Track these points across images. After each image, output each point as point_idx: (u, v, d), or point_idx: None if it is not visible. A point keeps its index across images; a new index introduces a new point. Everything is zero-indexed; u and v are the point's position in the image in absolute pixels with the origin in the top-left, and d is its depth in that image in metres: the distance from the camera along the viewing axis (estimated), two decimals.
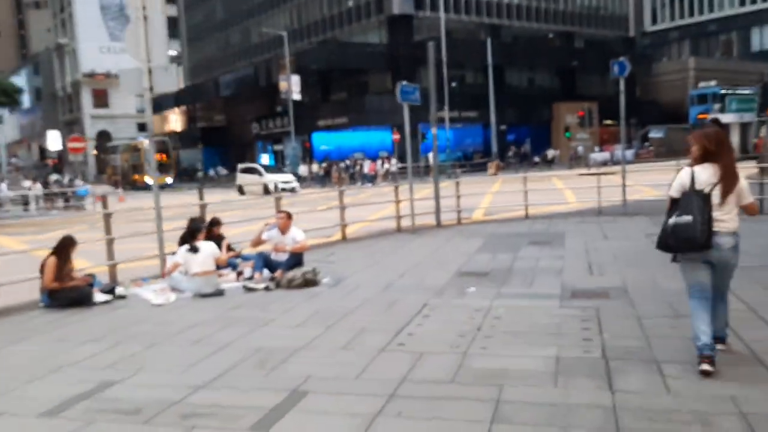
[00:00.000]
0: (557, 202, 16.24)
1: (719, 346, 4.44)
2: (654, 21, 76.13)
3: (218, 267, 7.80)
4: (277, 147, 51.01)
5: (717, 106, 42.61)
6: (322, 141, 49.24)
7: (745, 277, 6.36)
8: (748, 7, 68.50)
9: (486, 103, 43.30)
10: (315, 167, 42.49)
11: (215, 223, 8.96)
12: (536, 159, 48.89)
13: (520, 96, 52.03)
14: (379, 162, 40.96)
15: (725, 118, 43.03)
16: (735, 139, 43.68)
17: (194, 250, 7.50)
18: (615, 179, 14.88)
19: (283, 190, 30.02)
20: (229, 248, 8.78)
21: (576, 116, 43.19)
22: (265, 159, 51.06)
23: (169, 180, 49.40)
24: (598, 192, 14.26)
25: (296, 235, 8.13)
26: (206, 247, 7.63)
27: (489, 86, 42.52)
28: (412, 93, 12.09)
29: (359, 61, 46.39)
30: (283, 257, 7.99)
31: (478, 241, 10.82)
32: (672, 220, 4.21)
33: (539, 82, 55.24)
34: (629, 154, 46.63)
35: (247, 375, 4.66)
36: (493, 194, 20.27)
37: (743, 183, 4.25)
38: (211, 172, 53.46)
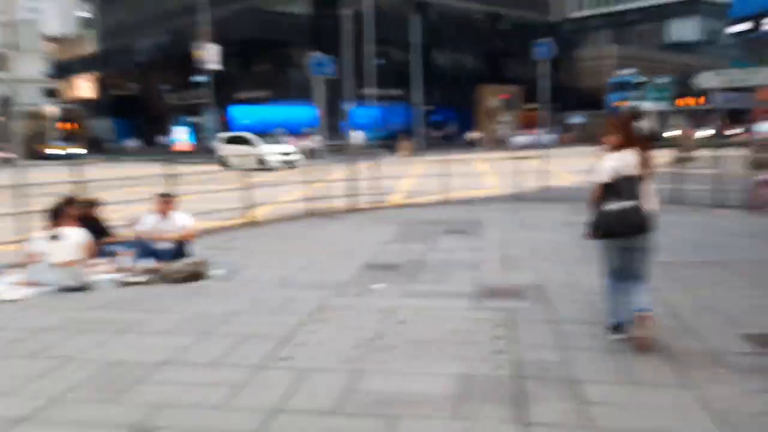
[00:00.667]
0: (479, 186, 15.82)
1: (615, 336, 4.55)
2: (579, 7, 77.71)
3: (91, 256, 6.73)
4: (193, 119, 48.67)
5: (635, 93, 43.79)
6: (242, 115, 47.38)
7: (663, 274, 5.96)
8: None
9: (413, 82, 42.73)
10: None
11: (91, 204, 7.84)
12: (474, 138, 49.01)
13: (446, 76, 51.80)
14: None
15: (642, 106, 44.40)
16: (650, 126, 45.13)
17: (55, 237, 6.41)
18: (536, 164, 14.55)
19: (284, 163, 26.22)
20: (105, 232, 7.69)
21: (500, 99, 43.33)
22: (181, 132, 48.62)
23: (82, 150, 46.27)
24: (518, 177, 13.91)
25: (180, 220, 7.15)
26: (71, 233, 6.54)
27: (415, 64, 41.87)
28: (326, 65, 11.16)
29: (282, 33, 44.65)
30: (167, 246, 7.01)
31: (392, 228, 10.13)
32: (614, 206, 4.20)
33: (465, 63, 55.11)
34: (552, 138, 47.38)
35: (86, 402, 3.74)
36: (415, 177, 19.72)
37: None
38: (126, 143, 50.58)
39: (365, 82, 42.01)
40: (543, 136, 48.57)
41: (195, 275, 6.70)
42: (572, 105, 55.45)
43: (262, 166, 26.13)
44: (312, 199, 12.17)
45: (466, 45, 54.23)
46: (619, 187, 4.21)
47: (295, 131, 42.21)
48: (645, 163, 4.29)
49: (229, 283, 6.63)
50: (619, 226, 4.22)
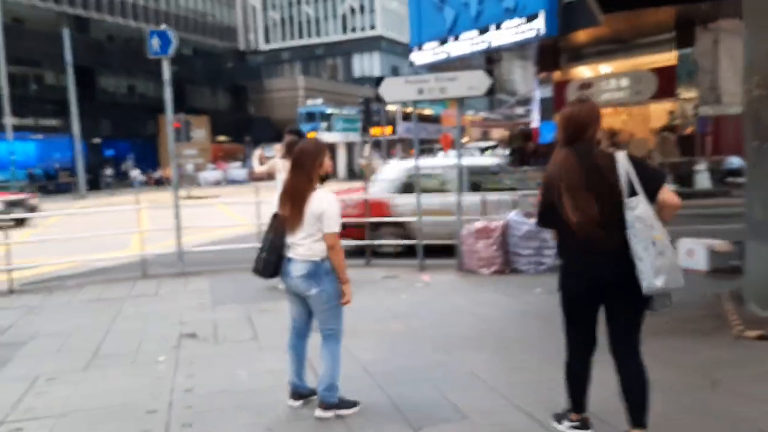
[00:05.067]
0: (105, 248, 10.46)
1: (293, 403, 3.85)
2: (267, 40, 76.17)
3: None
4: None
5: (324, 124, 42.20)
6: None
7: None
8: (350, 35, 73.19)
9: (71, 110, 34.96)
10: None
11: None
12: (143, 178, 41.98)
13: (118, 104, 44.56)
14: None
15: (331, 136, 42.96)
16: (341, 159, 43.93)
17: None
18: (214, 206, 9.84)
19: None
20: None
21: (174, 129, 37.74)
22: None
23: None
24: (142, 235, 9.00)
25: None
26: None
27: (70, 89, 34.26)
28: None
29: None
30: None
31: None
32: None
33: (142, 90, 48.18)
34: (242, 173, 43.45)
35: None
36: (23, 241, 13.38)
37: (323, 207, 3.48)
38: None
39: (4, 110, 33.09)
40: (233, 170, 44.45)
41: None
42: (266, 137, 52.51)
43: None
44: None
45: (143, 69, 47.39)
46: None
47: None
48: (286, 198, 3.60)
49: None
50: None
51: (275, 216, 3.76)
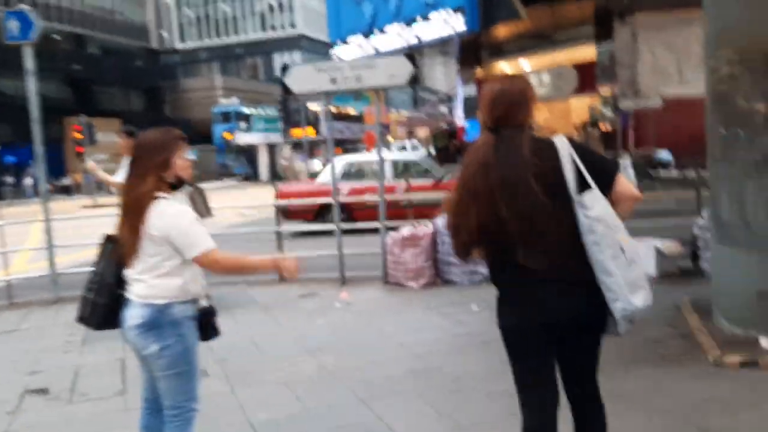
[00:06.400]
0: None
1: None
2: (182, 38, 73.17)
3: None
4: None
5: (243, 124, 40.43)
6: None
7: None
8: (270, 34, 71.27)
9: None
10: None
11: None
12: (49, 186, 38.83)
13: (17, 107, 41.14)
14: None
15: (252, 137, 41.25)
16: (263, 160, 42.31)
17: None
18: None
19: None
20: None
21: (75, 132, 35.01)
22: None
23: None
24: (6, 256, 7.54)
25: None
26: None
27: None
28: None
29: None
30: None
31: None
32: None
33: (45, 92, 44.45)
34: None
35: None
36: None
37: (167, 225, 2.41)
38: None
39: None
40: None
41: None
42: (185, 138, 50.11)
43: None
44: None
45: (45, 69, 43.83)
46: None
47: None
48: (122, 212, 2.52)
49: None
50: None
51: (108, 239, 2.64)
